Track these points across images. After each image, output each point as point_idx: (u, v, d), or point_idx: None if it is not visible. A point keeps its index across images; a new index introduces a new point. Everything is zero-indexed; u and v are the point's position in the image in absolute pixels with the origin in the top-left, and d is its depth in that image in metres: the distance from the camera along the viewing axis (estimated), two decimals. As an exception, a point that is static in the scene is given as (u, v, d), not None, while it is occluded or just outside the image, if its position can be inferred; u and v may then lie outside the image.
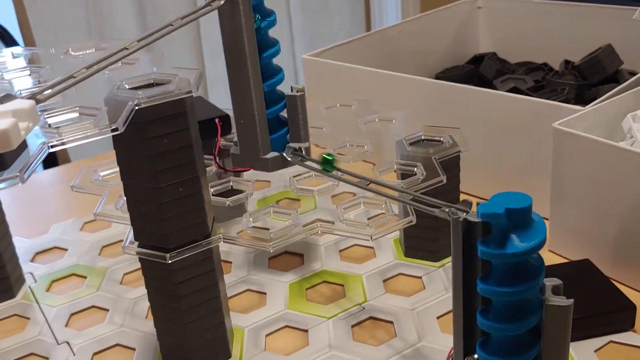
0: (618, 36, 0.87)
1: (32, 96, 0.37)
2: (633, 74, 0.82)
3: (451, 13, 1.01)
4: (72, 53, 0.56)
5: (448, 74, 0.95)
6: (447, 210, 0.40)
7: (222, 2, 0.49)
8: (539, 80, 0.89)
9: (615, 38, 0.86)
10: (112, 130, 0.40)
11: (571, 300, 0.38)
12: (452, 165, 0.59)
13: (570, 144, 0.56)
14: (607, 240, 0.56)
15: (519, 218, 0.35)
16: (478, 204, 0.38)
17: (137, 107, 0.41)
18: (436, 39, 1.00)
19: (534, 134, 0.64)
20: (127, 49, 0.43)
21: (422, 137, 0.62)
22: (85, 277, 0.64)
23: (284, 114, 0.55)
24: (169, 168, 0.44)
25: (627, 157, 0.52)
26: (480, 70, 0.94)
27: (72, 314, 0.59)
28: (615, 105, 0.62)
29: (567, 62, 0.91)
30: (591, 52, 0.86)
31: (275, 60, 0.55)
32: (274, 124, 0.54)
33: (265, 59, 0.52)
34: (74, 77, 0.40)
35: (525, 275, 0.36)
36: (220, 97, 1.90)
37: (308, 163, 0.54)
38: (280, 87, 0.55)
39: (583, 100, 0.81)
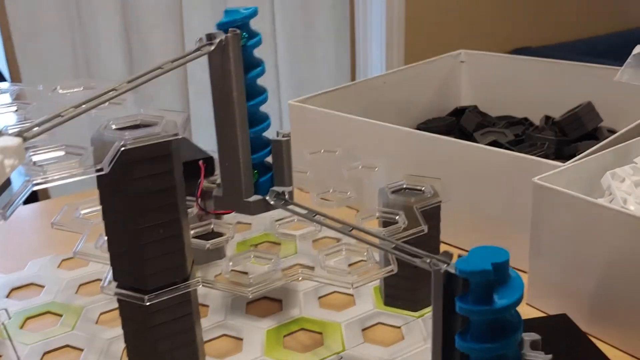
0: (598, 94, 0.89)
1: (19, 133, 0.37)
2: (612, 131, 0.84)
3: (435, 66, 1.03)
4: (60, 91, 0.56)
5: (430, 125, 0.97)
6: (428, 261, 0.40)
7: (213, 48, 0.49)
8: (519, 134, 0.91)
9: (595, 96, 0.89)
10: (97, 170, 0.40)
11: (549, 356, 0.38)
12: (432, 215, 0.60)
13: (550, 199, 0.57)
14: (584, 295, 0.56)
15: (498, 274, 0.35)
16: (459, 256, 0.39)
17: (123, 148, 0.41)
18: (419, 90, 1.02)
19: (514, 188, 0.65)
20: (115, 89, 0.43)
21: (404, 186, 0.62)
22: (60, 315, 0.63)
23: (269, 160, 0.56)
24: (151, 209, 0.44)
25: (605, 214, 0.53)
26: (461, 123, 0.96)
27: (46, 353, 0.58)
28: (594, 162, 0.63)
29: (547, 117, 0.93)
30: (571, 109, 0.88)
31: (262, 106, 0.55)
32: (259, 169, 0.55)
33: (252, 107, 0.52)
34: (62, 116, 0.40)
35: (504, 331, 0.36)
36: (205, 139, 1.90)
37: (291, 207, 0.54)
38: (265, 133, 0.56)
39: (562, 156, 0.82)
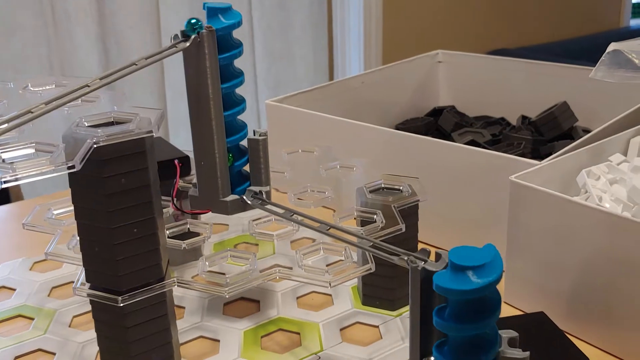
0: (573, 94, 0.90)
1: (-14, 130, 0.36)
2: (587, 131, 0.85)
3: (412, 66, 1.04)
4: (32, 88, 0.55)
5: (408, 125, 0.97)
6: (406, 258, 0.40)
7: (188, 44, 0.49)
8: (496, 134, 0.91)
9: (570, 96, 0.89)
10: (69, 168, 0.39)
11: (527, 353, 0.38)
12: (410, 214, 0.59)
13: (527, 197, 0.57)
14: (561, 293, 0.57)
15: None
16: (437, 254, 0.38)
17: (95, 145, 0.40)
18: (397, 90, 1.02)
19: (491, 187, 0.65)
20: (88, 86, 0.43)
21: (382, 186, 0.62)
22: (32, 319, 0.62)
23: (244, 143, 0.56)
24: (125, 208, 0.43)
25: (582, 211, 0.53)
26: (439, 123, 0.96)
27: (17, 357, 0.57)
28: (570, 161, 0.63)
29: (523, 117, 0.94)
30: (547, 109, 0.89)
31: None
32: (235, 154, 0.54)
33: (226, 90, 0.52)
34: (32, 112, 0.39)
35: (483, 311, 0.35)
36: (182, 140, 1.89)
37: (268, 207, 0.53)
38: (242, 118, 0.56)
39: (539, 155, 0.83)
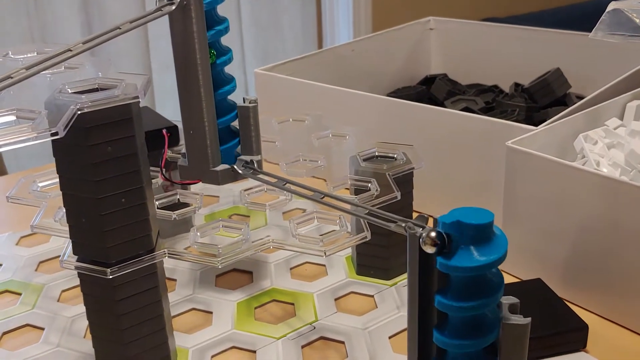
0: (566, 60, 0.88)
1: (-37, 95, 0.34)
2: (580, 97, 0.84)
3: (403, 34, 1.02)
4: (12, 56, 0.53)
5: (399, 94, 0.95)
6: (403, 225, 0.39)
7: (174, 8, 0.47)
8: (490, 101, 0.90)
9: (563, 62, 0.88)
10: (52, 135, 0.37)
11: (529, 319, 0.37)
12: (405, 182, 0.58)
13: (524, 163, 0.56)
14: (558, 259, 0.56)
15: (481, 233, 0.34)
16: (435, 220, 0.37)
17: (79, 112, 0.39)
18: (388, 59, 1.00)
19: (486, 153, 0.64)
20: (70, 50, 0.41)
21: (376, 154, 0.61)
22: (20, 294, 0.61)
23: (235, 124, 0.54)
24: (112, 177, 0.42)
25: (579, 176, 0.52)
26: (431, 91, 0.94)
27: (5, 333, 0.55)
28: (566, 126, 0.62)
29: (516, 84, 0.92)
30: (540, 76, 0.88)
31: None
32: (224, 135, 0.53)
33: (217, 66, 0.50)
34: (12, 78, 0.37)
35: (485, 290, 0.35)
36: (169, 113, 1.86)
37: (260, 176, 0.52)
38: (231, 98, 0.54)
39: (533, 122, 0.81)
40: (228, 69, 0.54)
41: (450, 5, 2.45)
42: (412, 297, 0.38)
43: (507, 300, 0.38)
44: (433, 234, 0.34)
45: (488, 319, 0.36)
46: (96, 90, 0.43)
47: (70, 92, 0.42)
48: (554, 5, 2.71)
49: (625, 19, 0.50)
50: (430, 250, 0.35)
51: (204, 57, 0.48)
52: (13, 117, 0.40)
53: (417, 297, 0.37)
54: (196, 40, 0.48)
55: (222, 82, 0.51)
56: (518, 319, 0.37)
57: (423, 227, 0.38)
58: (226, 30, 0.51)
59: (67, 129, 0.38)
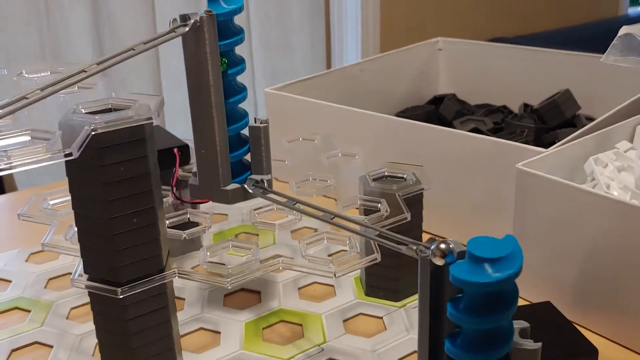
0: (576, 81, 0.89)
1: (-20, 116, 0.35)
2: (590, 119, 0.84)
3: (412, 54, 1.02)
4: (26, 75, 0.54)
5: (408, 114, 0.95)
6: (414, 247, 0.39)
7: (187, 29, 0.47)
8: (498, 122, 0.90)
9: (572, 83, 0.88)
10: (66, 155, 0.37)
11: (539, 344, 0.37)
12: (415, 203, 0.58)
13: (534, 185, 0.56)
14: (568, 282, 0.56)
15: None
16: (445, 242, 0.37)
17: (93, 132, 0.39)
18: (397, 78, 1.01)
19: (496, 175, 0.64)
20: (85, 71, 0.41)
21: (386, 174, 0.61)
22: (29, 311, 0.61)
23: (245, 132, 0.55)
24: (124, 197, 0.42)
25: (590, 199, 0.52)
26: (440, 111, 0.95)
27: (13, 350, 0.55)
28: (576, 149, 0.62)
29: (526, 105, 0.93)
30: (550, 97, 0.88)
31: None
32: (235, 143, 0.53)
33: (229, 75, 0.51)
34: (27, 98, 0.38)
35: (499, 307, 0.34)
36: (179, 131, 1.87)
37: (270, 195, 0.52)
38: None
39: (542, 144, 0.81)
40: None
41: (458, 26, 2.46)
42: (423, 321, 0.37)
43: (518, 324, 0.38)
44: (442, 245, 0.34)
45: (501, 332, 0.36)
46: (109, 110, 0.43)
47: (83, 112, 0.43)
48: (562, 25, 2.71)
49: (637, 43, 0.50)
50: (439, 262, 0.35)
51: (217, 79, 0.49)
52: (28, 137, 0.40)
53: (427, 321, 0.37)
54: (209, 61, 0.48)
55: (233, 91, 0.52)
56: (529, 344, 0.37)
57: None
58: (241, 40, 0.51)
59: (81, 149, 0.38)
